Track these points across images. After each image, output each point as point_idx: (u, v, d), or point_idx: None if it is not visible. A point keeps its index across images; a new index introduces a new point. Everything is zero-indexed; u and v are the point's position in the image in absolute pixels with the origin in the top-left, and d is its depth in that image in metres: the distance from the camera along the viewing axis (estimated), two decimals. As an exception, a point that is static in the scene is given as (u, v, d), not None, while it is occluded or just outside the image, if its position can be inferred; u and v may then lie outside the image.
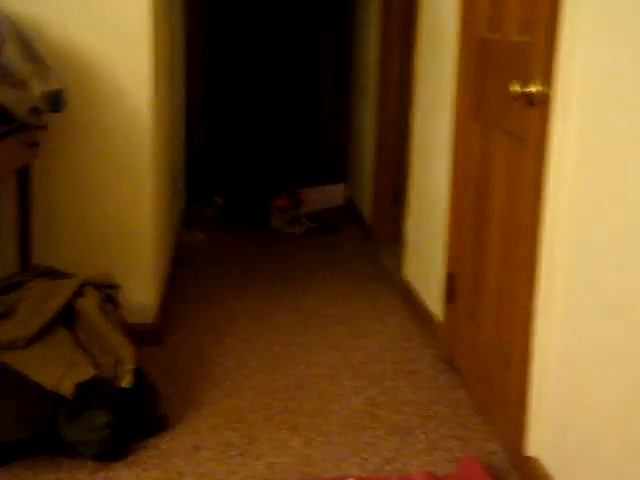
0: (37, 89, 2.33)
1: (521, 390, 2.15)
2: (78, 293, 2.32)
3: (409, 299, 3.51)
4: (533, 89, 2.03)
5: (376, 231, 4.44)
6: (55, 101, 2.47)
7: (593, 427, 1.80)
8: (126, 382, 2.21)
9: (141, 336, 2.71)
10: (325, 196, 5.37)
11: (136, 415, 2.27)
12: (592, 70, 1.80)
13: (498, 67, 2.42)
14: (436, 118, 3.14)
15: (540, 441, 2.07)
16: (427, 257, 3.26)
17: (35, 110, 2.37)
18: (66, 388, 2.08)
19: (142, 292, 2.96)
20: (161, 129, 3.25)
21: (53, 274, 2.47)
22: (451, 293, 2.86)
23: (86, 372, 2.14)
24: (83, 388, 2.11)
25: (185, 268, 3.99)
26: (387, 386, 2.72)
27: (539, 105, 2.03)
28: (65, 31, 2.71)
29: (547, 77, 1.99)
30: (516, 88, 2.08)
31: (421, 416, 2.51)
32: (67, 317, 2.26)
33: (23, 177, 2.63)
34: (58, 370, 2.12)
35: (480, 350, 2.56)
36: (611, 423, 1.72)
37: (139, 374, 2.28)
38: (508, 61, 2.33)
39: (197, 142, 6.18)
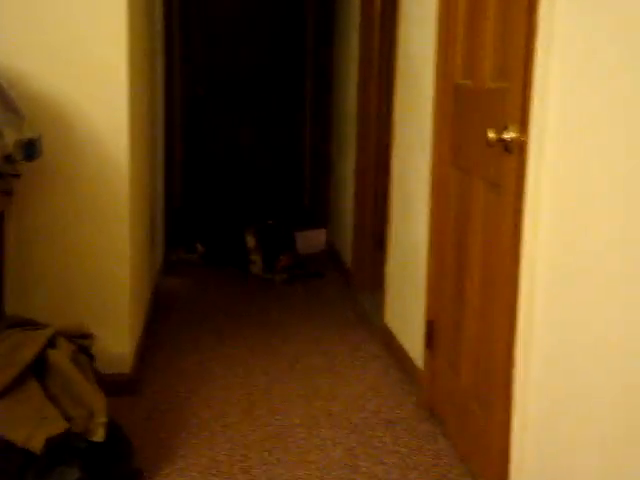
0: (11, 137, 2.31)
1: (503, 439, 2.12)
2: (50, 344, 2.27)
3: (390, 345, 3.47)
4: (508, 136, 2.04)
5: (357, 277, 4.42)
6: (29, 150, 2.45)
7: (577, 476, 1.77)
8: (98, 436, 2.15)
9: (117, 386, 2.65)
10: (307, 241, 5.36)
11: (109, 470, 2.20)
12: (565, 116, 1.81)
13: (474, 113, 2.43)
14: (415, 164, 3.15)
15: (522, 492, 2.03)
16: (407, 303, 3.24)
17: (8, 158, 2.34)
18: (36, 444, 2.02)
19: (118, 341, 2.91)
20: (138, 176, 3.23)
21: (25, 324, 2.42)
22: (430, 340, 2.83)
23: (57, 426, 2.08)
24: (54, 443, 2.05)
25: (163, 315, 3.94)
26: (367, 436, 2.67)
27: (515, 152, 2.03)
28: (41, 79, 2.70)
29: (522, 124, 2.00)
30: (492, 135, 2.09)
31: (402, 467, 2.46)
32: (38, 369, 2.20)
33: (-4, 226, 2.60)
34: (28, 425, 2.05)
35: (460, 398, 2.53)
36: (597, 472, 1.69)
37: (112, 427, 2.21)
38: (483, 107, 2.34)
39: (177, 188, 6.17)
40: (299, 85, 6.43)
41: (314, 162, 6.30)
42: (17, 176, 2.54)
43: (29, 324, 2.44)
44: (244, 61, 6.33)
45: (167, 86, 4.86)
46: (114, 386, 2.55)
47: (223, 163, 6.43)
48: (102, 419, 2.16)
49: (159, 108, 4.54)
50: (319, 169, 5.95)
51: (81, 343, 2.39)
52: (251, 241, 4.94)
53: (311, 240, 5.40)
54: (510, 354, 2.08)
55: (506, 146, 2.07)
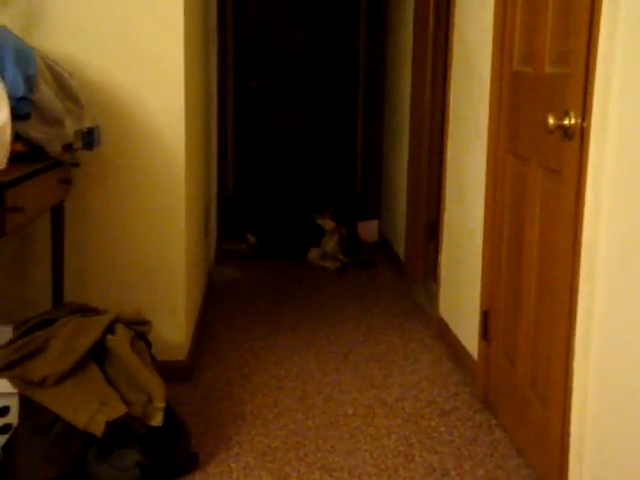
0: (71, 127, 2.35)
1: (561, 430, 2.08)
2: (109, 330, 2.31)
3: (444, 335, 3.45)
4: (569, 122, 1.99)
5: (410, 267, 4.39)
6: (88, 139, 2.49)
7: (638, 467, 1.73)
8: (156, 420, 2.18)
9: (172, 373, 2.69)
10: (360, 232, 5.35)
11: (166, 454, 2.23)
12: (628, 101, 1.77)
13: (532, 100, 2.39)
14: (470, 152, 3.11)
15: (582, 484, 2.00)
16: (462, 294, 3.21)
17: (69, 147, 2.39)
18: (97, 427, 2.06)
19: (174, 329, 2.94)
20: (194, 167, 3.27)
21: (85, 311, 2.47)
22: (486, 330, 2.80)
23: (117, 410, 2.12)
24: (113, 427, 2.09)
25: (217, 304, 3.98)
26: (422, 425, 2.66)
27: (576, 138, 1.99)
28: (100, 69, 2.75)
29: (583, 109, 1.96)
30: (552, 121, 2.04)
31: (457, 457, 2.44)
32: (97, 354, 2.25)
33: (56, 214, 2.65)
34: (89, 408, 2.10)
35: (517, 389, 2.49)
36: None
37: (169, 412, 2.25)
38: (543, 94, 2.30)
39: (230, 179, 6.22)
40: (352, 74, 6.41)
41: (366, 152, 6.28)
42: (76, 165, 2.59)
43: (89, 310, 2.49)
44: (297, 51, 6.33)
45: (220, 77, 4.89)
46: (170, 373, 2.59)
47: (275, 154, 6.45)
48: (160, 404, 2.19)
49: (213, 99, 4.58)
50: (371, 159, 5.93)
51: (139, 329, 2.43)
52: (328, 224, 4.98)
53: (364, 231, 5.38)
54: (569, 344, 2.04)
55: (566, 132, 2.03)
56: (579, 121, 1.97)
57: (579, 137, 1.98)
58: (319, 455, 2.44)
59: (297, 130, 6.45)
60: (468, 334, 3.07)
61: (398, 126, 4.78)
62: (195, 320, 3.32)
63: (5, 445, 2.12)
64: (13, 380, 2.13)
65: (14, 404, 2.16)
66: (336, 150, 6.54)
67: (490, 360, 2.77)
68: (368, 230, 5.42)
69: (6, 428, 2.17)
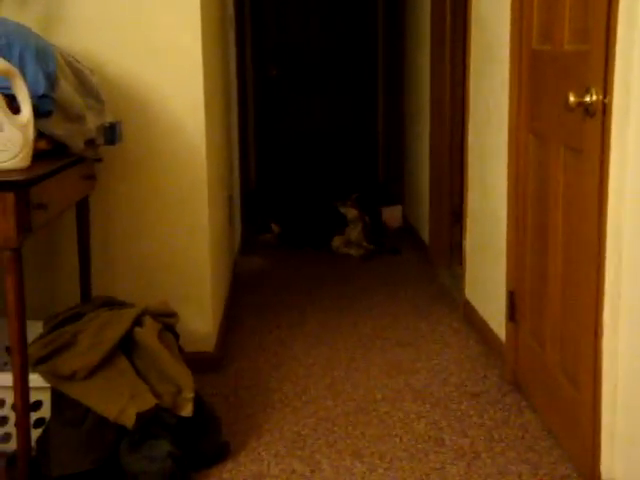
0: (92, 122, 2.37)
1: (592, 411, 2.07)
2: (137, 323, 2.33)
3: (471, 319, 3.44)
4: (590, 99, 1.97)
5: (435, 252, 4.38)
6: (110, 134, 2.51)
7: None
8: (186, 411, 2.20)
9: (200, 364, 2.71)
10: (383, 218, 5.34)
11: (197, 444, 2.26)
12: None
13: (552, 78, 2.36)
14: (491, 134, 3.09)
15: (615, 464, 1.98)
16: (488, 276, 3.19)
17: (91, 143, 2.41)
18: (128, 419, 2.09)
19: (201, 320, 2.96)
20: (216, 159, 3.28)
21: (112, 304, 2.49)
22: (513, 311, 2.78)
23: (147, 402, 2.14)
24: (144, 418, 2.11)
25: (243, 294, 4.00)
26: (451, 409, 2.65)
27: (598, 115, 1.97)
28: (119, 65, 2.76)
29: (604, 86, 1.93)
30: (572, 98, 2.02)
31: (488, 439, 2.44)
32: (126, 347, 2.27)
33: (81, 209, 2.67)
34: (119, 401, 2.12)
35: (546, 370, 2.48)
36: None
37: (199, 403, 2.27)
38: (563, 71, 2.27)
39: (252, 170, 6.23)
40: (371, 60, 6.39)
41: (388, 139, 6.26)
42: (99, 160, 2.61)
43: (116, 304, 2.51)
44: (316, 40, 6.32)
45: (239, 67, 4.89)
46: (198, 364, 2.61)
47: (296, 143, 6.46)
48: (189, 394, 2.21)
49: (233, 90, 4.58)
50: (393, 145, 5.91)
51: (166, 321, 2.45)
52: (351, 212, 4.99)
53: (387, 217, 5.37)
54: (597, 324, 2.02)
55: (587, 109, 2.00)
56: (600, 97, 1.95)
57: (601, 114, 1.95)
58: (349, 441, 2.45)
59: (318, 118, 6.45)
60: (495, 316, 3.06)
61: (418, 110, 4.76)
62: (222, 311, 3.34)
63: (39, 438, 2.15)
64: (44, 374, 2.16)
65: (46, 398, 2.19)
66: (357, 137, 6.53)
67: (518, 342, 2.76)
68: (392, 216, 5.41)
69: (40, 422, 2.20)
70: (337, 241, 4.90)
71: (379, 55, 6.35)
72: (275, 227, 5.19)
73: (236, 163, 4.72)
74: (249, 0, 5.97)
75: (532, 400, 2.63)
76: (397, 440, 2.45)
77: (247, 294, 4.02)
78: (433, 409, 2.66)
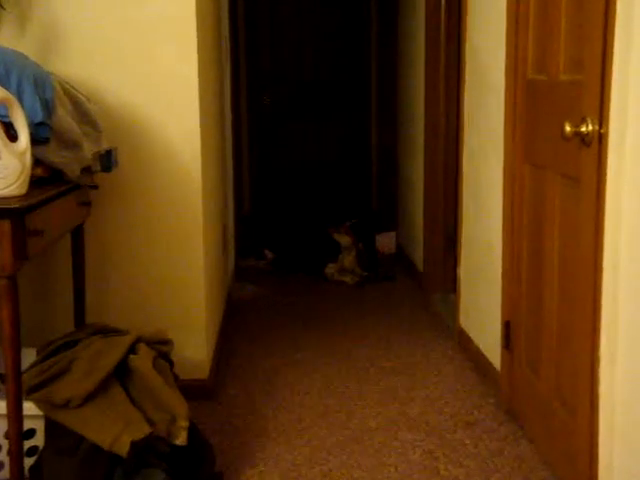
0: (89, 150, 2.37)
1: (589, 440, 2.06)
2: (131, 350, 2.31)
3: (465, 347, 3.43)
4: (586, 128, 1.99)
5: (429, 279, 4.38)
6: (106, 161, 2.51)
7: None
8: (181, 440, 2.18)
9: (194, 392, 2.69)
10: (377, 244, 5.33)
11: (191, 473, 2.23)
12: (647, 106, 1.76)
13: (548, 108, 2.38)
14: (486, 162, 3.11)
15: (612, 494, 1.97)
16: (482, 304, 3.19)
17: (87, 170, 2.41)
18: (122, 447, 2.06)
19: (195, 348, 2.95)
20: (210, 186, 3.28)
21: (107, 331, 2.47)
22: (508, 340, 2.78)
23: (141, 430, 2.12)
24: (139, 446, 2.09)
25: (237, 321, 3.98)
26: (446, 438, 2.64)
27: (594, 144, 1.98)
28: (117, 93, 2.77)
29: (600, 115, 1.95)
30: (568, 128, 2.04)
31: (483, 469, 2.42)
32: (120, 374, 2.25)
33: (76, 236, 2.66)
34: (114, 429, 2.10)
35: (542, 399, 2.47)
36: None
37: (193, 431, 2.25)
38: (558, 101, 2.30)
39: (246, 196, 6.24)
40: (364, 89, 6.43)
41: (381, 165, 6.28)
42: (95, 187, 2.61)
43: (110, 331, 2.49)
44: (309, 67, 6.36)
45: (234, 95, 4.92)
46: (192, 391, 2.59)
47: (290, 170, 6.48)
48: (184, 423, 2.19)
49: (227, 117, 4.60)
50: (387, 172, 5.93)
51: (161, 349, 2.43)
52: (345, 239, 4.99)
53: (381, 243, 5.37)
54: (594, 352, 2.02)
55: (583, 139, 2.02)
56: (596, 127, 1.96)
57: (597, 144, 1.97)
58: (344, 471, 2.43)
59: (311, 146, 6.48)
60: (490, 344, 3.05)
61: (413, 138, 4.78)
62: (216, 338, 3.33)
63: (32, 467, 2.13)
64: (38, 402, 2.14)
65: (40, 426, 2.17)
66: (351, 164, 6.55)
67: (513, 370, 2.75)
68: (386, 242, 5.41)
69: (33, 450, 2.18)
70: (331, 268, 4.90)
71: (372, 83, 6.39)
72: (269, 253, 5.19)
73: (230, 190, 4.73)
74: (244, 30, 6.02)
75: (528, 429, 2.62)
76: (392, 470, 2.44)
77: (241, 321, 4.00)
78: (428, 438, 2.64)
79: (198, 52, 2.82)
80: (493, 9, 2.92)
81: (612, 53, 1.88)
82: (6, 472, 2.10)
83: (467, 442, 2.61)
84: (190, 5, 2.77)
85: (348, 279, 4.79)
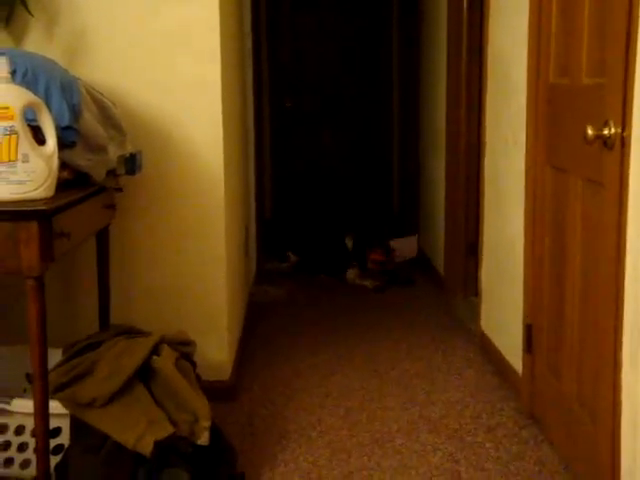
0: (114, 153, 2.40)
1: (611, 445, 2.05)
2: (155, 351, 2.34)
3: (486, 350, 3.42)
4: (608, 131, 1.99)
5: (450, 283, 4.38)
6: (131, 164, 2.54)
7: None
8: (203, 440, 2.20)
9: (216, 393, 2.71)
10: (398, 249, 5.35)
11: (213, 473, 2.25)
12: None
13: (570, 111, 2.38)
14: (507, 165, 3.11)
15: (634, 499, 1.97)
16: (504, 308, 3.19)
17: (112, 173, 2.44)
18: (145, 446, 2.08)
19: (217, 349, 2.97)
20: (233, 189, 3.31)
21: (131, 333, 2.50)
22: (530, 344, 2.77)
23: (164, 430, 2.14)
24: (162, 446, 2.11)
25: (258, 324, 4.00)
26: (467, 442, 2.64)
27: (616, 147, 1.98)
28: (141, 98, 2.80)
29: (623, 119, 1.95)
30: (591, 131, 2.04)
31: (504, 473, 2.42)
32: (144, 375, 2.28)
33: (101, 238, 2.70)
34: (137, 428, 2.12)
35: (564, 403, 2.46)
36: None
37: (215, 432, 2.27)
38: (580, 104, 2.29)
39: (268, 200, 6.27)
40: (386, 92, 6.44)
41: (403, 169, 6.29)
42: (120, 190, 2.64)
43: (134, 332, 2.52)
44: (330, 71, 6.39)
45: (256, 99, 4.95)
46: (214, 392, 2.60)
47: (312, 173, 6.50)
48: (206, 423, 2.21)
49: (250, 121, 4.63)
50: (408, 176, 5.94)
51: (183, 350, 2.46)
52: (350, 244, 5.08)
53: (402, 248, 5.38)
54: (616, 357, 2.01)
55: (606, 142, 2.02)
56: (619, 131, 1.96)
57: (619, 147, 1.97)
58: (365, 473, 2.44)
59: (333, 149, 6.50)
60: (511, 348, 3.05)
61: (434, 141, 4.79)
62: (238, 340, 3.35)
63: (58, 465, 2.16)
64: (64, 402, 2.17)
65: (65, 425, 2.20)
66: (372, 168, 6.56)
67: (535, 374, 2.75)
68: (407, 246, 5.42)
69: (59, 448, 2.21)
70: (352, 273, 4.94)
71: (394, 87, 6.40)
72: (292, 256, 5.23)
73: (252, 193, 4.76)
74: (266, 33, 6.05)
75: (549, 433, 2.62)
76: (413, 472, 2.44)
77: (262, 323, 4.03)
78: (449, 441, 2.65)
79: (222, 57, 2.85)
80: (515, 13, 2.92)
81: (635, 56, 1.88)
82: (32, 470, 2.13)
83: (488, 445, 2.61)
84: (214, 11, 2.79)
85: (368, 283, 4.82)
